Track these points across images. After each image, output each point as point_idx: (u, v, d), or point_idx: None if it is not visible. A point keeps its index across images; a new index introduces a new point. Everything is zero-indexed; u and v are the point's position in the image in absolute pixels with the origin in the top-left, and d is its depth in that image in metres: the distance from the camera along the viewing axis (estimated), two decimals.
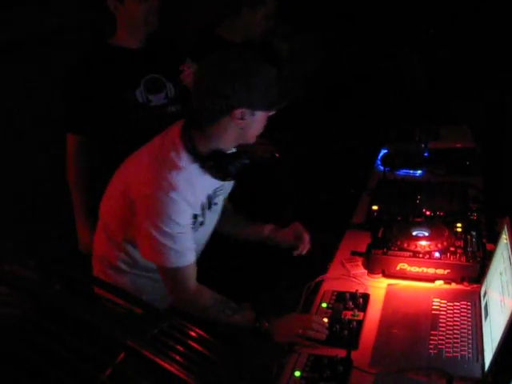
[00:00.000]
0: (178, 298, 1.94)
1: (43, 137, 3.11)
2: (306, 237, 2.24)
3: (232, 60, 1.81)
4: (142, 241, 1.88)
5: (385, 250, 2.20)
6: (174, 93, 2.59)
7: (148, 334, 0.76)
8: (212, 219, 2.09)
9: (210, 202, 1.99)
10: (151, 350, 0.72)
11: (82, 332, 0.75)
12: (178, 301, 1.95)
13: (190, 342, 0.78)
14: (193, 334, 0.79)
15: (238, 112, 1.79)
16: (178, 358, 0.74)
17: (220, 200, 2.08)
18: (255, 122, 1.86)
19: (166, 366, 0.71)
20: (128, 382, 0.71)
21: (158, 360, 0.71)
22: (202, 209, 1.94)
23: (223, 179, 1.94)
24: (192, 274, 1.90)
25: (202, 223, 1.98)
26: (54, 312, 0.79)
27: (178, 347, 0.76)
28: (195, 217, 1.90)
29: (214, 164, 1.87)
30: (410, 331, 1.86)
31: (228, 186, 2.11)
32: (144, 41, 2.55)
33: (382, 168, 3.19)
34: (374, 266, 2.20)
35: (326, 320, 1.92)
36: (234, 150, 1.99)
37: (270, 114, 1.89)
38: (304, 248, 2.23)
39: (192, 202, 1.86)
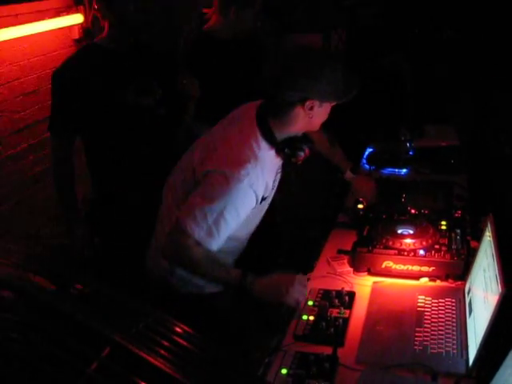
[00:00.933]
0: (169, 254, 2.01)
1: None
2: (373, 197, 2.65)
3: (304, 57, 2.01)
4: (190, 204, 1.95)
5: (370, 248, 2.21)
6: (162, 96, 2.59)
7: (133, 329, 0.76)
8: (268, 200, 2.19)
9: (274, 184, 2.15)
10: (137, 345, 0.73)
11: (68, 327, 0.76)
12: (167, 256, 2.03)
13: (175, 337, 0.78)
14: (178, 329, 0.80)
15: (309, 103, 1.96)
16: (163, 352, 0.74)
17: (278, 178, 2.21)
18: (322, 112, 2.04)
19: (152, 360, 0.71)
20: (115, 376, 0.72)
21: (143, 354, 0.71)
22: (268, 191, 2.09)
23: (294, 163, 2.09)
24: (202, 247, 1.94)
25: (264, 199, 2.10)
26: (42, 307, 0.79)
27: (163, 342, 0.77)
28: (263, 199, 2.07)
29: (288, 151, 2.05)
30: (395, 328, 1.88)
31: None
32: (133, 43, 2.55)
33: (367, 167, 3.21)
34: (360, 264, 2.22)
35: (312, 318, 1.94)
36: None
37: (333, 104, 2.05)
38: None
39: (259, 191, 2.00)
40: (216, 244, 1.94)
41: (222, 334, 1.93)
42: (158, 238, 2.19)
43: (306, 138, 2.13)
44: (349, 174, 2.73)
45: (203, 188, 1.95)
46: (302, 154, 2.06)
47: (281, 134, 2.03)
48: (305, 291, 1.98)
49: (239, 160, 1.94)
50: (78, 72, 2.47)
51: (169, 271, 2.12)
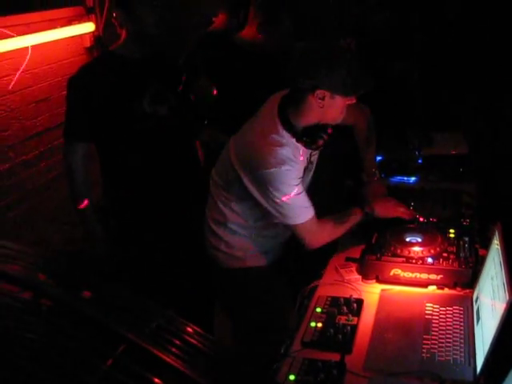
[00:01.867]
0: (313, 243, 2.26)
1: None
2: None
3: (319, 49, 2.09)
4: (274, 212, 2.18)
5: (378, 255, 2.22)
6: (176, 105, 2.60)
7: (147, 328, 0.79)
8: (308, 175, 2.38)
9: (308, 164, 2.30)
10: (151, 343, 0.75)
11: (85, 325, 0.78)
12: (313, 245, 2.27)
13: (187, 337, 0.81)
14: (189, 329, 0.82)
15: (320, 92, 2.06)
16: (175, 350, 0.77)
17: (315, 159, 2.37)
18: (334, 105, 2.12)
19: (165, 357, 0.74)
20: (129, 372, 0.74)
21: (156, 352, 0.74)
22: (304, 171, 2.26)
23: (315, 149, 2.26)
24: (316, 221, 2.23)
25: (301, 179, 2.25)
26: (59, 306, 0.82)
27: (175, 341, 0.79)
28: (302, 177, 2.23)
29: (308, 139, 2.17)
30: (403, 336, 1.88)
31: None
32: (149, 52, 2.57)
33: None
34: (368, 271, 2.23)
35: (320, 325, 1.95)
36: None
37: (348, 102, 2.14)
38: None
39: (298, 168, 2.18)
40: (312, 209, 2.21)
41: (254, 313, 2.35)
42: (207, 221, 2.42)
43: (325, 126, 2.23)
44: (370, 174, 2.79)
45: (264, 190, 2.14)
46: (321, 140, 2.20)
47: (299, 123, 2.16)
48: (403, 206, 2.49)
49: (267, 156, 2.10)
50: (93, 79, 2.50)
51: (215, 247, 2.38)
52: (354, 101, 2.16)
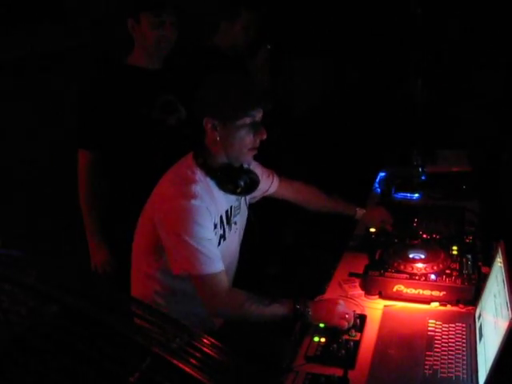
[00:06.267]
0: (213, 305, 1.99)
1: None
2: (390, 218, 2.62)
3: (205, 80, 2.00)
4: (172, 253, 1.97)
5: (382, 271, 2.23)
6: (186, 116, 2.63)
7: (172, 343, 0.82)
8: (233, 240, 2.20)
9: (228, 218, 2.11)
10: (174, 357, 0.78)
11: (115, 341, 0.81)
12: (214, 308, 2.01)
13: (207, 350, 0.83)
14: (206, 341, 0.85)
15: (207, 122, 1.96)
16: (196, 363, 0.79)
17: (238, 220, 2.20)
18: (231, 135, 1.98)
19: (188, 370, 0.76)
20: None
21: (180, 365, 0.76)
22: (221, 221, 2.06)
23: (233, 192, 2.07)
24: (224, 279, 1.98)
25: (223, 237, 2.08)
26: (92, 323, 0.84)
27: (197, 354, 0.82)
28: (215, 226, 2.00)
29: (222, 176, 2.02)
30: (405, 352, 1.89)
31: (244, 207, 2.23)
32: (159, 62, 2.60)
33: (379, 191, 3.24)
34: (371, 287, 2.24)
35: (323, 340, 1.95)
36: (246, 166, 2.13)
37: (253, 131, 1.99)
38: (389, 226, 2.60)
39: (212, 211, 1.98)
40: (220, 263, 1.96)
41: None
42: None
43: (250, 170, 2.13)
44: (359, 213, 2.70)
45: (168, 230, 1.95)
46: (241, 181, 2.04)
47: (216, 162, 2.03)
48: (351, 312, 2.03)
49: (177, 190, 1.96)
50: (103, 91, 2.52)
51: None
52: (264, 135, 2.02)
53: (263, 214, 2.38)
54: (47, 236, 3.16)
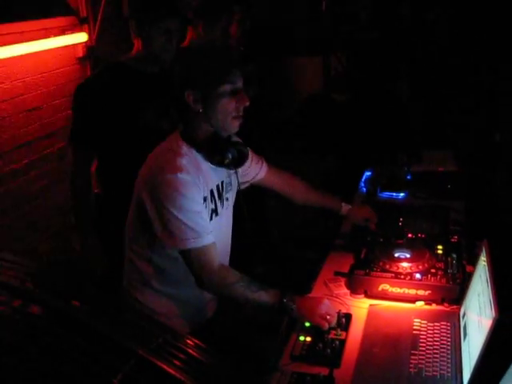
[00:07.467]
0: (203, 280, 1.98)
1: None
2: (375, 217, 2.60)
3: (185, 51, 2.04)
4: (161, 229, 1.94)
5: (367, 270, 2.23)
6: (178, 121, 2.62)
7: (154, 344, 0.81)
8: (226, 216, 2.19)
9: (220, 193, 2.10)
10: (157, 357, 0.77)
11: (99, 342, 0.80)
12: (204, 283, 1.99)
13: (191, 351, 0.83)
14: (189, 341, 0.84)
15: (188, 95, 1.94)
16: (180, 364, 0.79)
17: (230, 197, 2.19)
18: (213, 104, 1.96)
19: (172, 371, 0.76)
20: None
21: (164, 366, 0.76)
22: (212, 195, 2.05)
23: (221, 163, 2.03)
24: (214, 254, 1.97)
25: (214, 212, 2.07)
26: (76, 324, 0.84)
27: (181, 355, 0.81)
28: (205, 199, 2.01)
29: (208, 147, 2.00)
30: (391, 351, 1.89)
31: (235, 185, 2.21)
32: (159, 66, 2.59)
33: (365, 190, 3.24)
34: (357, 286, 2.24)
35: (308, 339, 1.95)
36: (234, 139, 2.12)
37: (235, 98, 1.97)
38: (373, 225, 2.58)
39: (201, 184, 1.97)
40: (209, 236, 1.95)
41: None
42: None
43: (241, 143, 2.12)
44: (345, 208, 2.64)
45: (156, 201, 1.93)
46: (229, 154, 2.01)
47: (202, 134, 2.01)
48: (335, 314, 2.02)
49: (163, 164, 1.95)
50: (100, 88, 2.51)
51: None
52: (246, 101, 1.99)
53: (249, 213, 2.38)
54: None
